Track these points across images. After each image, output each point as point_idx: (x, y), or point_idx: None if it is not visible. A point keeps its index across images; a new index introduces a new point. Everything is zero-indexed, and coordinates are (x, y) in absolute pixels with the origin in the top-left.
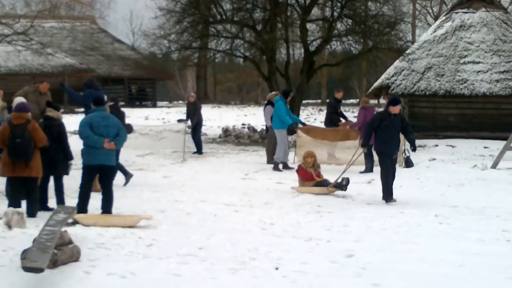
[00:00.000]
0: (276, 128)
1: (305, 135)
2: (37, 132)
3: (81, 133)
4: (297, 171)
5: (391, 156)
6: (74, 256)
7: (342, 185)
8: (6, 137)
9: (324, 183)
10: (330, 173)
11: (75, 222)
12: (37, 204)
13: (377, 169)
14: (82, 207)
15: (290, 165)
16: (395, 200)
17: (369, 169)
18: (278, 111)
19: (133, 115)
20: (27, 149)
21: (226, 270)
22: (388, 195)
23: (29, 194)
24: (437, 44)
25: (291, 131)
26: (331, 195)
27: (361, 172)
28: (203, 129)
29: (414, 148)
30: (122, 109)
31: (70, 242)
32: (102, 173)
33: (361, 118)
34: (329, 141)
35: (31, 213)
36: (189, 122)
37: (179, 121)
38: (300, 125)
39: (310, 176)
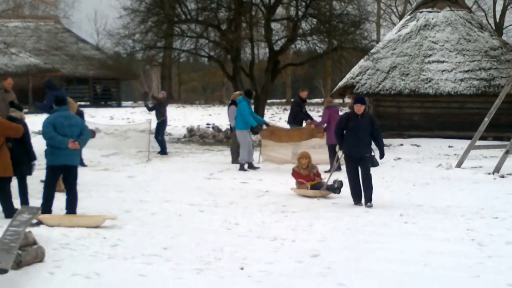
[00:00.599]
0: (239, 129)
1: (269, 139)
2: (7, 125)
3: (45, 133)
4: (292, 174)
5: (358, 159)
6: (39, 257)
7: (334, 188)
8: None
9: (318, 186)
10: None
11: (39, 223)
12: (11, 204)
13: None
14: (46, 207)
15: (255, 165)
16: (362, 204)
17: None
18: (242, 111)
19: (98, 115)
20: None
21: (191, 270)
22: (356, 199)
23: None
24: (402, 44)
25: (256, 132)
26: (296, 194)
27: (325, 172)
28: (168, 129)
29: (382, 155)
30: (84, 109)
31: (35, 242)
32: (66, 173)
33: (325, 117)
34: (295, 142)
35: (8, 214)
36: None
37: (144, 94)
38: (264, 126)
39: (305, 178)
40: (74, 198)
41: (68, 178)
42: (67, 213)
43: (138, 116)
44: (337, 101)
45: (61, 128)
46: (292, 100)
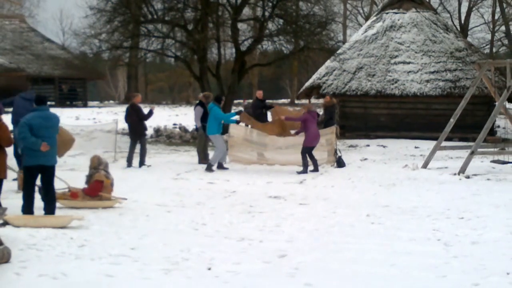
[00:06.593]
0: (211, 134)
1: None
2: (3, 132)
3: (19, 133)
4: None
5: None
6: (5, 258)
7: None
8: None
9: None
10: (261, 173)
11: (5, 223)
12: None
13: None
14: (27, 208)
15: (225, 165)
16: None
17: (305, 170)
18: (217, 115)
19: (64, 115)
20: None
21: (159, 271)
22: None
23: None
24: (368, 44)
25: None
26: (263, 195)
27: (298, 173)
28: None
29: None
30: (53, 109)
31: (0, 243)
32: (43, 174)
33: (301, 118)
34: (267, 133)
35: None
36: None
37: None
38: (237, 117)
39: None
40: (51, 198)
41: (45, 179)
42: (45, 214)
43: (104, 117)
44: (304, 101)
45: (38, 129)
46: (250, 101)
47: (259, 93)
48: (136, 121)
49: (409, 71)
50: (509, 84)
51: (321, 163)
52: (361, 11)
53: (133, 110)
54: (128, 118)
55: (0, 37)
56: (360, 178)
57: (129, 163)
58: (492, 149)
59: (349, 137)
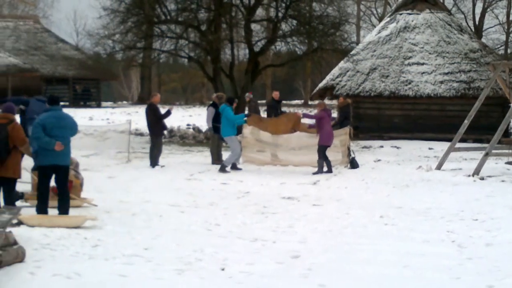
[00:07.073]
0: (226, 136)
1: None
2: (16, 132)
3: (33, 133)
4: None
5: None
6: (19, 257)
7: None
8: None
9: None
10: (274, 174)
11: (19, 223)
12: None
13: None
14: (41, 208)
15: (238, 166)
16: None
17: (321, 170)
18: (228, 116)
19: (77, 116)
20: (0, 147)
21: (172, 271)
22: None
23: (4, 196)
24: (382, 45)
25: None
26: (276, 195)
27: (313, 174)
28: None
29: None
30: (66, 109)
31: (15, 242)
32: (56, 173)
33: (317, 116)
34: (280, 130)
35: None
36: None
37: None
38: (246, 118)
39: None
40: (66, 198)
41: (59, 179)
42: (59, 214)
43: (118, 117)
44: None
45: (51, 129)
46: (265, 101)
47: (276, 94)
48: (154, 120)
49: (423, 72)
50: None
51: (334, 164)
52: (374, 12)
53: (150, 110)
54: (147, 117)
55: (14, 37)
56: (373, 179)
57: (153, 163)
58: (506, 151)
59: (363, 138)
